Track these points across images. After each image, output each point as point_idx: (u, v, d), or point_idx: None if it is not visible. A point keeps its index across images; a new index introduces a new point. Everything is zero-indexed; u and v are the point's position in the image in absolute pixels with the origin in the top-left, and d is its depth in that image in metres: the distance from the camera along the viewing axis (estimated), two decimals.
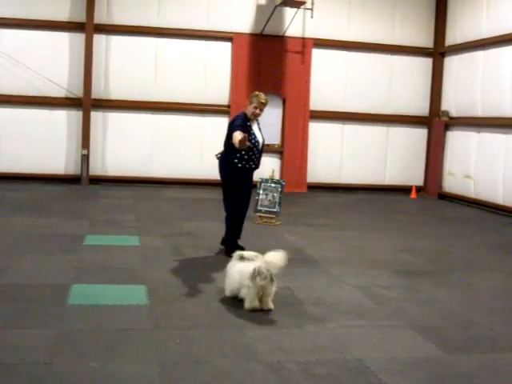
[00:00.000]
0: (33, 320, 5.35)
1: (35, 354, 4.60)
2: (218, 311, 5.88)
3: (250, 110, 7.89)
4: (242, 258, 6.13)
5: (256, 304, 5.82)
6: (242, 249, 8.13)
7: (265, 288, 5.81)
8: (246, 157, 7.81)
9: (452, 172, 15.72)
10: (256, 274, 5.73)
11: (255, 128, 7.98)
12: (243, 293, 5.91)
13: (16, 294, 6.09)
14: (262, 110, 7.94)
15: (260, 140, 7.98)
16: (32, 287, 6.34)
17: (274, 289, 5.90)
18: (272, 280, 5.82)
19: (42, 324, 5.26)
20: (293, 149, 15.85)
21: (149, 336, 5.12)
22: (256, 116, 7.96)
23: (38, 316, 5.46)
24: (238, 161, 7.81)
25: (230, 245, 8.11)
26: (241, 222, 8.20)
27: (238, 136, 7.43)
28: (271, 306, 5.91)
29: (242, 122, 7.78)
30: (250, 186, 8.21)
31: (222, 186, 8.13)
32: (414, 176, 16.85)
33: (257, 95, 7.89)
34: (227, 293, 6.18)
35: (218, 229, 8.74)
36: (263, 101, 7.87)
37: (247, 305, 5.85)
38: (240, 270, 5.97)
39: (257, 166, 8.06)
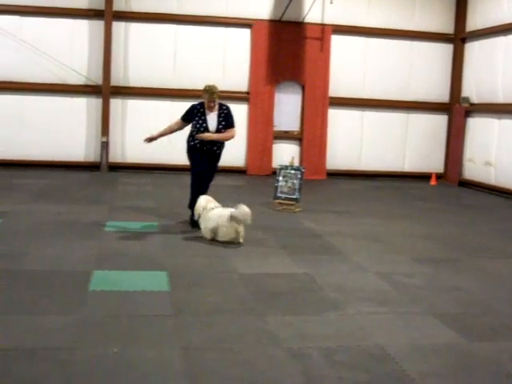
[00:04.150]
0: (55, 306, 5.41)
1: (58, 339, 4.65)
2: (238, 297, 5.91)
3: (205, 103, 8.78)
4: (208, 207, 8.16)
5: (231, 237, 7.92)
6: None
7: (237, 228, 7.91)
8: (195, 139, 8.82)
9: (472, 159, 15.59)
10: (232, 218, 7.84)
11: (210, 116, 8.76)
12: (221, 231, 7.94)
13: (38, 280, 6.15)
14: (214, 101, 8.71)
15: (211, 127, 8.73)
16: (54, 273, 6.40)
17: (242, 229, 7.93)
18: (242, 223, 7.88)
19: (64, 310, 5.32)
20: (312, 136, 15.79)
21: (170, 322, 5.15)
22: (211, 108, 8.74)
23: (60, 302, 5.52)
24: (190, 140, 8.97)
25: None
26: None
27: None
28: (241, 240, 7.95)
29: (191, 109, 8.84)
30: (211, 167, 9.15)
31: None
32: (434, 163, 16.71)
33: (206, 90, 8.68)
34: (207, 235, 8.06)
35: None
36: (210, 92, 8.62)
37: (224, 239, 7.93)
38: (218, 214, 7.99)
39: (208, 149, 8.87)
